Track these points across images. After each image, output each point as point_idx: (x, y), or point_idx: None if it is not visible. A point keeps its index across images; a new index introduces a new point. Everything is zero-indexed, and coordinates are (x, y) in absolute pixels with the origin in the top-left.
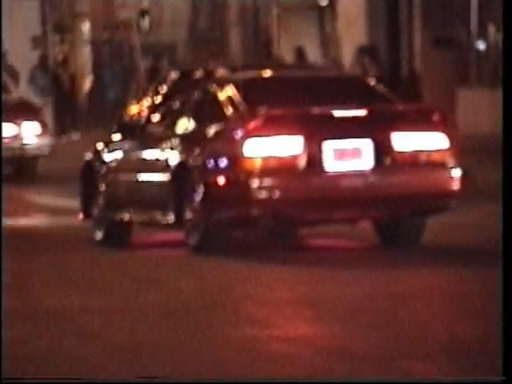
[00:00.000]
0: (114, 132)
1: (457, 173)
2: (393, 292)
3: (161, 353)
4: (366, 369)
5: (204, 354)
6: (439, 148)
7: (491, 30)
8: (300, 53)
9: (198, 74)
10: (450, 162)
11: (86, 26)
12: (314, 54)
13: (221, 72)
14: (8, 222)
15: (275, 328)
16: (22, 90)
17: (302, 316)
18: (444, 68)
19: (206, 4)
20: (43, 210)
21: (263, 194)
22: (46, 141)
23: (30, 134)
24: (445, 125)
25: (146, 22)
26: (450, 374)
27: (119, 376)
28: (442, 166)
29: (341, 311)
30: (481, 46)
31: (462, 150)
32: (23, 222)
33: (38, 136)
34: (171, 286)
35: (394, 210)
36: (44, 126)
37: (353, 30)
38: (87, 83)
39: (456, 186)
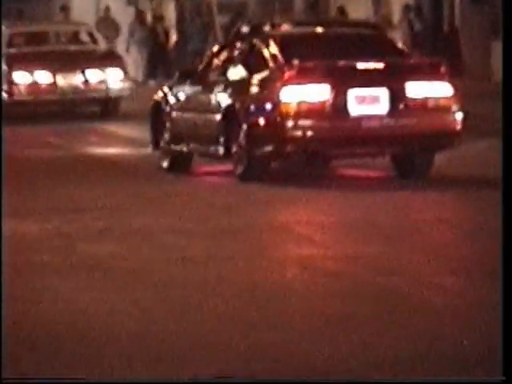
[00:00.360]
0: (179, 77)
1: (459, 116)
2: (424, 218)
3: (233, 268)
4: (406, 283)
5: (271, 269)
6: (444, 95)
7: None
8: (341, 10)
9: (266, 28)
10: (454, 107)
11: None
12: (367, 12)
13: (284, 27)
14: (95, 150)
15: (328, 248)
16: (122, 42)
17: (349, 237)
18: (480, 23)
19: None
20: (123, 142)
21: (297, 133)
22: (127, 84)
23: (113, 78)
24: (449, 75)
25: None
26: (476, 289)
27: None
28: (446, 110)
29: (383, 233)
30: None
31: (491, 94)
32: (107, 151)
33: (121, 80)
34: (234, 210)
35: (406, 147)
36: (125, 72)
37: None
38: (173, 37)
39: (458, 127)
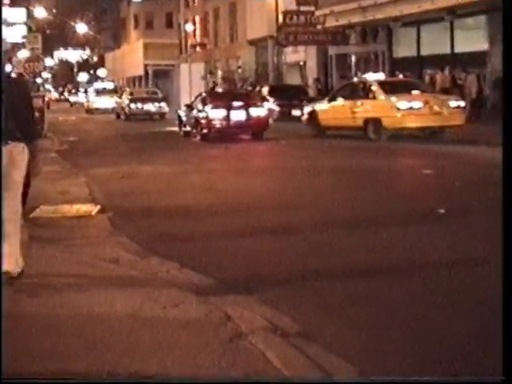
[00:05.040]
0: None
1: (269, 120)
2: (262, 149)
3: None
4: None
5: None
6: (263, 113)
7: None
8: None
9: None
10: (267, 117)
11: None
12: (298, 80)
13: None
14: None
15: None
16: None
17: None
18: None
19: None
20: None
21: (215, 126)
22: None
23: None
24: (264, 106)
25: None
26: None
27: None
28: (265, 118)
29: (280, 168)
30: None
31: None
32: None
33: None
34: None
35: (253, 130)
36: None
37: None
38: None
39: (268, 124)
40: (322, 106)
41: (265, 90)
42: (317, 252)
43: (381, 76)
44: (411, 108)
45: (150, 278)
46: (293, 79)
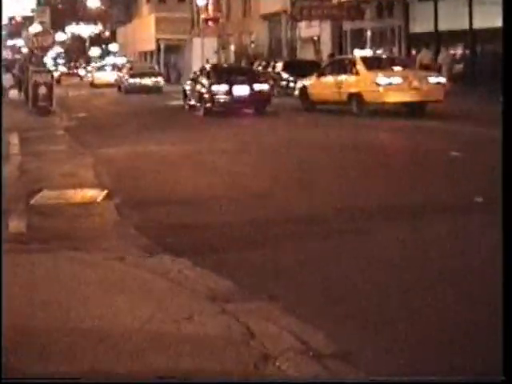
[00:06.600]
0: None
1: (270, 95)
2: (267, 121)
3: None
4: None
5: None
6: (266, 88)
7: None
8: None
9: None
10: (270, 92)
11: None
12: (312, 56)
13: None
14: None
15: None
16: None
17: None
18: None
19: None
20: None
21: (219, 100)
22: None
23: None
24: (267, 81)
25: None
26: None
27: None
28: (267, 93)
29: (272, 144)
30: None
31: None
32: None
33: None
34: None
35: (255, 104)
36: None
37: None
38: None
39: (270, 99)
40: (311, 82)
41: (279, 66)
42: (351, 249)
43: (367, 52)
44: (390, 83)
45: (159, 280)
46: (307, 54)
